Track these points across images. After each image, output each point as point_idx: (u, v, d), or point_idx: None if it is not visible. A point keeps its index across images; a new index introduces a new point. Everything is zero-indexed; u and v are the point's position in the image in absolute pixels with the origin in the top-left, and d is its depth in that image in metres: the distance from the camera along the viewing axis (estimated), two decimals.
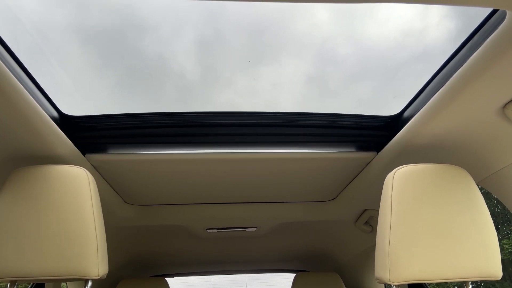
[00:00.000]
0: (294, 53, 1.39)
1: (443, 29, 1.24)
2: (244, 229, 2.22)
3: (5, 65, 0.97)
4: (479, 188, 1.27)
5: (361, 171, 1.75)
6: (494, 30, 0.93)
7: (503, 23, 0.89)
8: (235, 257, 2.78)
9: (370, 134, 1.51)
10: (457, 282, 1.14)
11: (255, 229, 2.23)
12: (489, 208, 1.18)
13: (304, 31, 1.28)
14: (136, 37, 1.28)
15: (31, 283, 2.28)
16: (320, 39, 1.35)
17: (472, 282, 1.15)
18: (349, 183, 1.90)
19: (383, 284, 2.30)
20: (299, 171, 1.71)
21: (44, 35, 1.21)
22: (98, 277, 1.10)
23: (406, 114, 1.38)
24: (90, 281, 1.13)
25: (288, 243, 2.57)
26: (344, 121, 1.49)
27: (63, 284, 2.65)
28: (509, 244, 14.82)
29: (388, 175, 1.21)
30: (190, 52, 1.36)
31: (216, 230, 2.20)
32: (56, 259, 1.07)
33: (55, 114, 1.32)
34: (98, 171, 1.61)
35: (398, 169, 1.19)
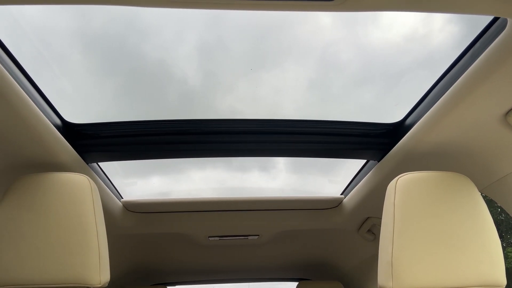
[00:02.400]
0: (296, 58, 1.39)
1: (446, 34, 1.24)
2: (246, 237, 2.21)
3: (8, 72, 0.98)
4: (482, 196, 1.26)
5: (363, 179, 1.74)
6: (495, 38, 0.93)
7: (504, 31, 0.89)
8: (237, 266, 2.76)
9: (372, 142, 1.50)
10: None
11: (257, 237, 2.21)
12: (492, 215, 1.17)
13: (307, 36, 1.27)
14: (138, 42, 1.28)
15: None
16: (323, 44, 1.34)
17: None
18: (351, 190, 1.89)
19: None
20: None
21: (46, 41, 1.21)
22: (99, 285, 1.09)
23: (408, 121, 1.38)
24: None
25: (291, 252, 2.56)
26: (346, 129, 1.49)
27: None
28: None
29: (390, 183, 1.20)
30: (192, 58, 1.36)
31: (218, 238, 2.19)
32: (58, 267, 1.06)
33: (58, 121, 1.33)
34: (100, 179, 1.61)
35: (401, 177, 1.18)
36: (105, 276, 1.12)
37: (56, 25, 1.16)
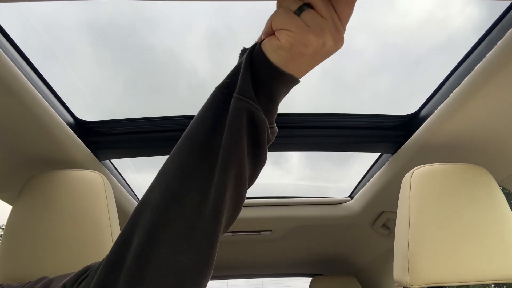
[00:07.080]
0: None
1: (465, 17, 1.18)
2: (259, 233, 2.21)
3: (20, 71, 0.98)
4: (501, 188, 1.23)
5: (377, 172, 1.72)
6: None
7: None
8: (251, 261, 2.77)
9: (387, 134, 1.48)
10: (479, 285, 1.10)
11: (270, 232, 2.21)
12: (510, 208, 1.14)
13: None
14: (146, 35, 1.26)
15: None
16: None
17: (495, 285, 1.12)
18: (365, 184, 1.87)
19: None
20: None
21: (55, 36, 1.21)
22: None
23: (423, 112, 1.35)
24: None
25: (304, 247, 2.55)
26: (360, 122, 1.46)
27: None
28: None
29: (405, 176, 1.18)
30: (201, 48, 1.34)
31: (230, 234, 2.19)
32: (72, 263, 1.07)
33: (70, 119, 1.34)
34: (113, 175, 1.62)
35: (416, 169, 1.16)
36: None
37: (64, 18, 1.16)
